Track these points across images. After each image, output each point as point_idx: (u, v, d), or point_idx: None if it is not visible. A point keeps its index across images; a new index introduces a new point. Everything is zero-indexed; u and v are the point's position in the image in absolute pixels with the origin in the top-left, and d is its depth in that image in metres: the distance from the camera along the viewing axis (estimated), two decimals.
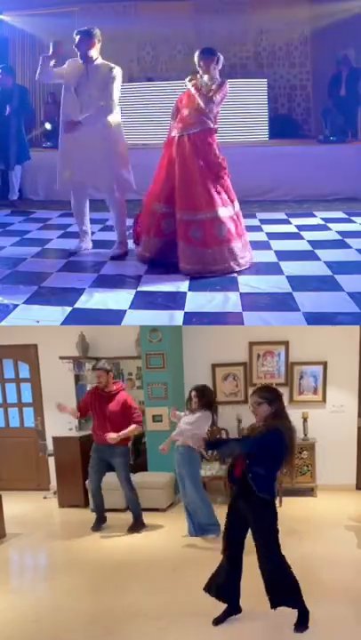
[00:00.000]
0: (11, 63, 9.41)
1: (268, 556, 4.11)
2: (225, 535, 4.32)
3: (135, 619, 4.39)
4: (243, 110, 9.37)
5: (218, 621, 4.24)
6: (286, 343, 8.08)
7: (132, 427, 6.45)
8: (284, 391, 7.89)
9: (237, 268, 5.43)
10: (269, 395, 4.21)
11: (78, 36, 5.62)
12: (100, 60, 5.69)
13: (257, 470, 4.05)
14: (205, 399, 6.14)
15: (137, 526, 6.50)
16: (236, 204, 5.60)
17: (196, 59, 5.45)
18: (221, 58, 5.49)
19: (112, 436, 6.33)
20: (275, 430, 4.06)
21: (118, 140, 5.80)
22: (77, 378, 8.51)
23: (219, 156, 5.41)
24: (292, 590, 4.12)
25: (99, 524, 6.68)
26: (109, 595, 4.88)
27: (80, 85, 5.67)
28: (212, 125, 5.39)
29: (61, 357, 8.32)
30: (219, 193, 5.39)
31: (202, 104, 5.32)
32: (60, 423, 8.20)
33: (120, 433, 6.37)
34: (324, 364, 8.02)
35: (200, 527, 6.24)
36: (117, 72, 5.62)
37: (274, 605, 4.11)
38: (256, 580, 4.55)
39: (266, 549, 4.11)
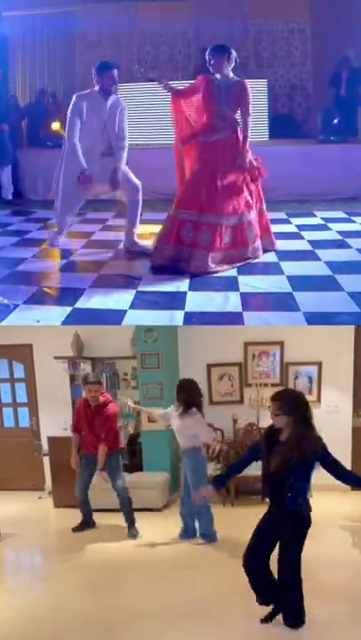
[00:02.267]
0: (10, 63, 9.38)
1: (293, 571, 4.05)
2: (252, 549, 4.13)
3: (133, 619, 4.39)
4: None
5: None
6: (281, 343, 8.11)
7: (101, 448, 6.33)
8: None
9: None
10: (287, 405, 4.01)
11: (111, 70, 5.71)
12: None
13: (297, 487, 3.93)
14: (182, 394, 5.98)
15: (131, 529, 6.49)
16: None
17: (206, 57, 5.51)
18: (234, 54, 5.53)
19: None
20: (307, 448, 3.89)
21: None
22: (72, 378, 8.49)
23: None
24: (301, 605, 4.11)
25: (83, 527, 6.66)
26: (107, 595, 4.87)
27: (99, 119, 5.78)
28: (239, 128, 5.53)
29: (56, 357, 8.30)
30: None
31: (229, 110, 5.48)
32: (55, 423, 8.17)
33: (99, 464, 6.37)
34: (319, 365, 8.05)
35: (200, 533, 6.16)
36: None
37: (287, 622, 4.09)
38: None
39: (293, 565, 4.05)
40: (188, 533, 6.23)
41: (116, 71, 5.76)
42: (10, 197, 8.79)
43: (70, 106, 5.76)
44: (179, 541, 6.15)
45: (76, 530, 6.62)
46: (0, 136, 8.53)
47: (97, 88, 5.76)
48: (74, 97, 5.78)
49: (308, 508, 4.06)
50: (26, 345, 8.60)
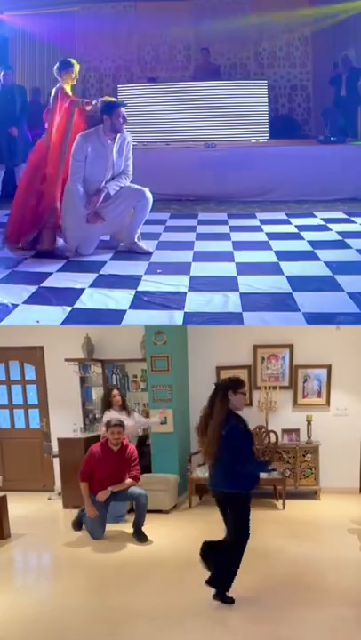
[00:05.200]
0: (11, 63, 9.45)
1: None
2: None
3: (138, 619, 4.40)
4: (243, 110, 9.38)
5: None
6: (291, 346, 8.09)
7: (129, 481, 6.49)
8: (288, 394, 8.06)
9: None
10: None
11: (123, 108, 5.65)
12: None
13: None
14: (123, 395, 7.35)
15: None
16: None
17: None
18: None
19: (102, 495, 6.40)
20: None
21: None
22: (83, 380, 8.56)
23: None
24: None
25: (79, 526, 6.72)
26: (112, 595, 4.89)
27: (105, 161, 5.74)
28: None
29: (67, 359, 8.36)
30: None
31: None
32: (66, 425, 8.27)
33: (113, 487, 6.42)
34: (329, 368, 8.02)
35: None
36: None
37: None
38: (255, 580, 4.58)
39: None
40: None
41: (123, 109, 5.67)
42: None
43: (74, 146, 5.63)
44: (189, 539, 6.13)
45: (75, 528, 6.70)
46: (12, 137, 8.60)
47: (102, 127, 5.63)
48: (78, 137, 5.65)
49: None
50: (37, 347, 8.69)
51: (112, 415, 6.92)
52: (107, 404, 7.27)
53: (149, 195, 5.88)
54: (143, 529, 6.36)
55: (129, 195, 5.82)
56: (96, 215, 5.67)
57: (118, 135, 5.69)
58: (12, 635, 4.25)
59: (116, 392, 7.31)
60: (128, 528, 6.47)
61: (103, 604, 4.71)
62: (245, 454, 4.44)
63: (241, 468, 4.38)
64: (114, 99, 6.03)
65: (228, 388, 4.50)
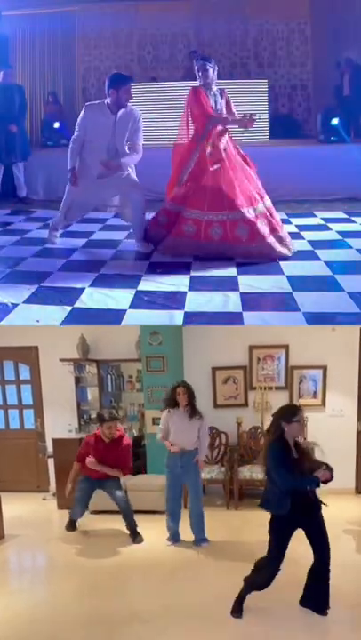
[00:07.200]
0: (11, 62, 9.44)
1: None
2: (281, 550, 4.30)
3: (133, 621, 4.39)
4: (243, 110, 9.36)
5: None
6: (286, 347, 8.08)
7: (117, 471, 6.40)
8: (283, 395, 8.02)
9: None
10: None
11: (129, 84, 5.66)
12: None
13: None
14: (190, 397, 6.06)
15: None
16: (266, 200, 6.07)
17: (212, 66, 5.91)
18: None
19: (93, 464, 6.32)
20: None
21: None
22: (78, 380, 8.53)
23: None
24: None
25: (73, 527, 6.71)
26: (107, 597, 4.87)
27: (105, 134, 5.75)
28: None
29: (62, 359, 8.33)
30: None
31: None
32: (60, 425, 8.25)
33: (103, 468, 6.34)
34: (324, 368, 8.01)
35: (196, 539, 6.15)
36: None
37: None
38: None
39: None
40: (176, 537, 6.23)
41: (130, 85, 5.67)
42: (24, 195, 8.78)
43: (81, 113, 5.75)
44: (186, 541, 6.14)
45: (69, 529, 6.67)
46: (11, 135, 8.56)
47: (108, 100, 5.64)
48: (84, 106, 5.75)
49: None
50: (32, 347, 8.64)
51: (173, 418, 6.11)
52: (171, 402, 6.11)
53: (142, 195, 5.93)
54: (138, 530, 6.34)
55: (130, 186, 5.84)
56: (108, 166, 5.67)
57: (121, 113, 5.67)
58: (7, 636, 4.23)
59: (181, 389, 6.06)
60: (123, 528, 6.43)
61: (99, 605, 4.69)
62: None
63: (270, 489, 4.31)
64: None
65: (280, 419, 4.29)
